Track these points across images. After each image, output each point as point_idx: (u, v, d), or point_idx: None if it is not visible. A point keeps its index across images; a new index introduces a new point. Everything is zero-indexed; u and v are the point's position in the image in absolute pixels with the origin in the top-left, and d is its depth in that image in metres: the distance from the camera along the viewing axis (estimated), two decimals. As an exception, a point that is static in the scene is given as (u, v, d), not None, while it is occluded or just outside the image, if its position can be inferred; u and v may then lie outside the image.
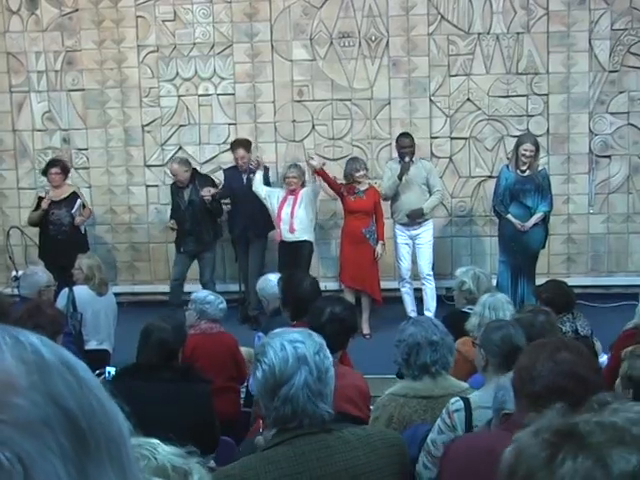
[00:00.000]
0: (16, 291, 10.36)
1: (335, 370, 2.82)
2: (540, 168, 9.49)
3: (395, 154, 10.49)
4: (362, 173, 9.64)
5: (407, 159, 9.46)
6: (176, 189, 10.16)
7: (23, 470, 0.79)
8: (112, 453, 0.86)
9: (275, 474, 2.66)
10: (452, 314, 6.95)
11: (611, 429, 1.15)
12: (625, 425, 1.16)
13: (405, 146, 9.55)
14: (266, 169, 10.03)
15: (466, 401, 4.07)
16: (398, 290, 10.47)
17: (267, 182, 10.00)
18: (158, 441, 1.91)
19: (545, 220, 9.49)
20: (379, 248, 9.66)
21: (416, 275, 9.86)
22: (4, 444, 0.79)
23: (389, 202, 9.74)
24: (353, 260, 9.64)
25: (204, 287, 9.98)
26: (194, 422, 4.64)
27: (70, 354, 0.90)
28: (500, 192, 9.43)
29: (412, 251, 9.79)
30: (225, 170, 10.41)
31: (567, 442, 1.16)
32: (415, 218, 9.60)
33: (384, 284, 10.36)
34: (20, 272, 10.45)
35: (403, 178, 9.43)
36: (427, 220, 9.74)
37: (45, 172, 9.96)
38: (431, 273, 9.74)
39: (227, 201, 10.32)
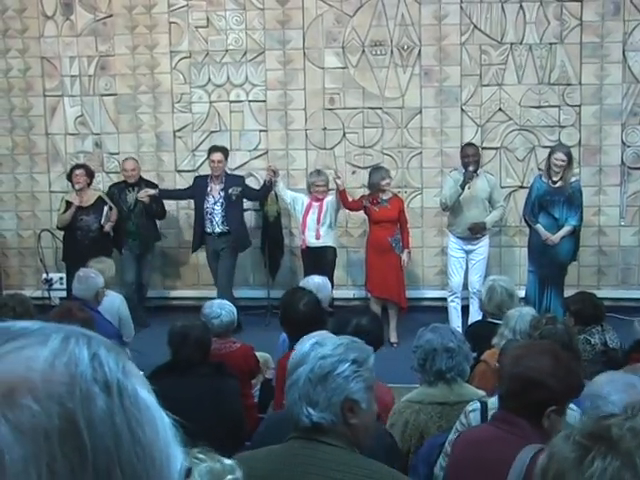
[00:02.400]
0: (46, 294, 10.54)
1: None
2: (573, 180, 9.43)
3: (428, 163, 10.54)
4: (387, 181, 9.63)
5: (471, 168, 9.36)
6: (120, 190, 10.30)
7: None
8: None
9: (254, 472, 2.59)
10: (476, 324, 6.92)
11: None
12: None
13: (469, 155, 9.47)
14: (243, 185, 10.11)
15: (483, 403, 4.11)
16: (426, 299, 10.48)
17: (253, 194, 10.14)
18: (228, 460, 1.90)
19: (575, 233, 9.43)
20: (405, 257, 9.64)
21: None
22: None
23: (447, 213, 9.71)
24: (378, 269, 9.63)
25: (141, 288, 10.38)
26: (229, 415, 4.76)
27: (133, 381, 0.89)
28: (531, 202, 9.40)
29: (465, 264, 9.70)
30: (195, 177, 10.45)
31: (598, 444, 1.16)
32: (477, 232, 9.52)
33: (412, 293, 10.36)
34: (50, 275, 10.60)
35: (465, 188, 9.35)
36: (484, 235, 9.67)
37: (69, 176, 10.05)
38: (482, 289, 9.68)
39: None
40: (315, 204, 9.73)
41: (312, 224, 9.68)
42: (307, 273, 9.02)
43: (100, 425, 0.84)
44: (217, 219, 10.01)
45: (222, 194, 9.99)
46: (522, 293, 9.27)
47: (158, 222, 10.61)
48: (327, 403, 2.61)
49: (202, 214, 10.07)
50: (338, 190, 9.66)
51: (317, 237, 9.70)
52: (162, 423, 0.91)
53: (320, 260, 9.62)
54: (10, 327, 0.88)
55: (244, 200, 10.25)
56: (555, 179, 9.25)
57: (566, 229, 9.31)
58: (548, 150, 9.74)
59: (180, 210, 10.97)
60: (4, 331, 0.87)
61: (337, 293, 9.57)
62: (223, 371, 5.14)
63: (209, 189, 10.04)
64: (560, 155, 9.21)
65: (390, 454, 3.68)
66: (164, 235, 10.86)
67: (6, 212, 11.38)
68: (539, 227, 9.34)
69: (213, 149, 10.17)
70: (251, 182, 10.86)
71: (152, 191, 10.15)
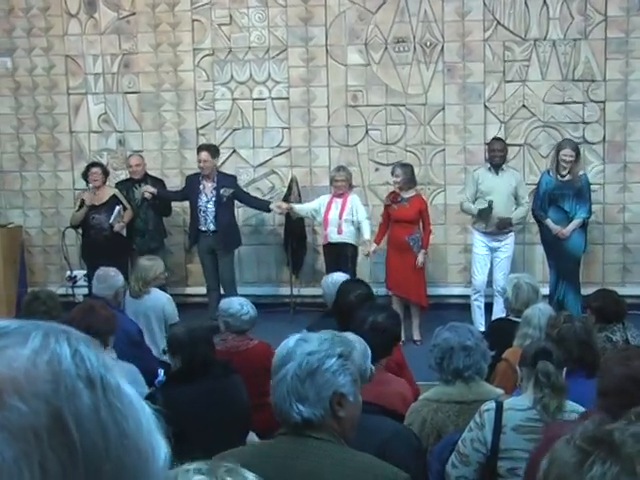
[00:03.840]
0: (70, 290, 10.59)
1: (376, 378, 2.79)
2: (581, 173, 9.43)
3: (452, 160, 10.51)
4: (394, 179, 9.59)
5: (497, 161, 9.48)
6: (127, 189, 10.30)
7: None
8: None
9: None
10: (498, 321, 6.89)
11: None
12: None
13: (495, 149, 9.53)
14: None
15: (499, 403, 4.10)
16: (449, 297, 10.45)
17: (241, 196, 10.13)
18: (251, 474, 1.89)
19: (584, 225, 9.44)
20: (420, 257, 9.57)
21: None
22: None
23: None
24: (397, 268, 9.61)
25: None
26: (242, 412, 4.75)
27: (114, 374, 0.90)
28: (540, 197, 9.42)
29: (490, 262, 9.68)
30: (187, 176, 10.44)
31: (598, 448, 1.16)
32: (503, 228, 9.49)
33: (436, 290, 10.35)
34: (74, 272, 10.66)
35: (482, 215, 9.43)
36: (511, 232, 9.65)
37: (85, 174, 10.09)
38: (506, 287, 9.64)
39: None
40: (337, 200, 9.71)
41: (334, 219, 9.65)
42: (329, 269, 9.04)
43: (87, 421, 0.84)
44: (210, 217, 9.99)
45: (214, 192, 9.99)
46: (545, 290, 9.25)
47: (165, 219, 10.63)
48: (317, 398, 2.62)
49: (196, 212, 10.09)
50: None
51: (339, 232, 9.67)
52: (144, 414, 0.91)
53: (340, 256, 9.61)
54: None
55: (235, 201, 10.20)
56: (564, 173, 9.26)
57: (576, 222, 9.34)
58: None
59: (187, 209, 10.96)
60: None
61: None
62: (230, 368, 5.11)
63: (202, 187, 10.03)
64: (568, 151, 9.22)
65: (417, 456, 3.70)
66: (170, 233, 10.83)
67: (31, 210, 11.45)
68: (549, 222, 9.38)
69: (199, 148, 10.16)
70: (274, 179, 10.88)
71: (152, 188, 10.17)
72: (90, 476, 0.84)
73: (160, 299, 7.61)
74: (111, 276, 6.98)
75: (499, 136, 10.17)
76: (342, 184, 9.70)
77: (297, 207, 10.06)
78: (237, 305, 6.32)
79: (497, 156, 9.50)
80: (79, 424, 0.84)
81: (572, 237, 9.35)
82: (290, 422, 2.66)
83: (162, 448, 0.92)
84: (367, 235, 9.58)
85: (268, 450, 2.74)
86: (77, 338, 0.90)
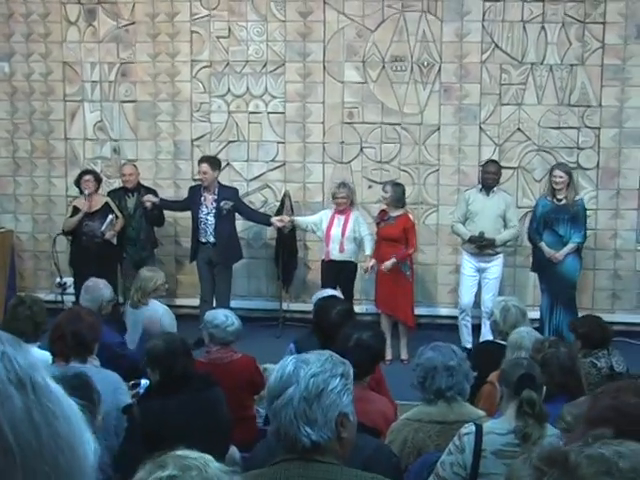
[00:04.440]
0: (59, 297, 10.56)
1: (360, 395, 2.76)
2: (577, 198, 9.44)
3: (445, 181, 10.53)
4: (382, 195, 9.61)
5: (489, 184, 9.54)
6: (119, 197, 10.29)
7: None
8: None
9: None
10: (484, 344, 6.88)
11: (599, 461, 1.14)
12: (613, 458, 1.14)
13: (489, 172, 9.57)
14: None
15: (478, 426, 4.07)
16: (439, 317, 10.44)
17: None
18: (210, 457, 1.97)
19: (579, 250, 9.47)
20: (388, 263, 9.38)
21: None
22: None
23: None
24: (385, 286, 9.59)
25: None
26: (219, 424, 4.70)
27: (42, 374, 0.89)
28: (536, 220, 9.46)
29: (477, 283, 9.68)
30: (190, 187, 10.44)
31: (553, 468, 1.16)
32: (485, 247, 9.49)
33: (426, 310, 10.34)
34: (64, 279, 10.62)
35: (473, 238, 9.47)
36: (499, 254, 9.63)
37: (78, 181, 10.08)
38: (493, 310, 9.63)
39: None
40: (340, 217, 9.69)
41: (337, 237, 9.63)
42: (326, 285, 8.98)
43: (20, 424, 0.84)
44: (210, 229, 9.98)
45: (214, 204, 9.98)
46: (535, 314, 9.25)
47: (156, 229, 10.62)
48: (324, 420, 2.59)
49: (197, 223, 10.08)
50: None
51: (341, 250, 9.65)
52: (74, 411, 0.91)
53: (340, 274, 9.61)
54: None
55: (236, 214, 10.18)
56: (559, 197, 9.28)
57: (570, 246, 9.36)
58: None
59: (179, 219, 10.94)
60: None
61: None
62: (210, 381, 5.06)
63: (202, 199, 10.02)
64: (558, 172, 9.30)
65: (396, 473, 3.69)
66: (161, 243, 10.83)
67: (23, 214, 11.44)
68: (543, 245, 9.41)
69: (200, 160, 10.16)
70: (267, 193, 10.88)
71: (155, 198, 10.16)
72: (27, 478, 0.83)
73: (157, 311, 7.56)
74: (99, 288, 6.93)
75: (494, 158, 10.19)
76: (343, 201, 9.68)
77: (299, 219, 10.06)
78: (222, 317, 6.28)
79: (490, 178, 9.53)
80: (13, 427, 0.83)
81: (566, 261, 9.37)
82: (297, 447, 2.61)
83: (91, 442, 0.91)
84: (368, 250, 9.57)
85: (277, 477, 2.66)
86: (2, 340, 0.89)
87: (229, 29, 10.83)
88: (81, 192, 10.09)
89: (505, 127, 10.50)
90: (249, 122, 10.93)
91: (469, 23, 10.41)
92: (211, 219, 9.97)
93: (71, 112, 11.23)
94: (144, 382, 6.18)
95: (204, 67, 10.93)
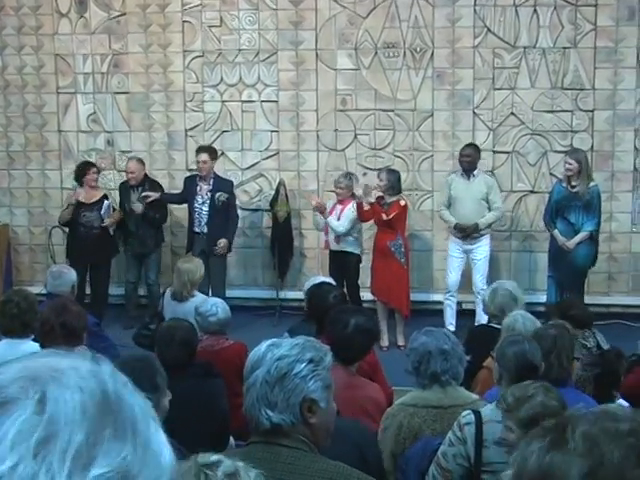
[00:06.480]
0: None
1: (347, 382, 2.77)
2: (592, 184, 9.39)
3: (440, 167, 10.55)
4: (377, 182, 9.61)
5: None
6: (125, 190, 10.30)
7: None
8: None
9: None
10: (479, 328, 6.89)
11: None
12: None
13: (463, 155, 9.62)
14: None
15: (477, 414, 4.06)
16: (435, 303, 10.43)
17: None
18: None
19: (592, 238, 9.42)
20: (365, 201, 9.49)
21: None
22: None
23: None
24: (380, 273, 9.62)
25: (149, 288, 10.27)
26: (215, 416, 4.70)
27: (119, 382, 1.01)
28: (550, 207, 9.42)
29: (464, 265, 9.76)
30: (185, 178, 10.43)
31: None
32: (469, 233, 9.54)
33: (421, 296, 10.34)
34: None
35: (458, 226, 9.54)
36: (483, 235, 9.67)
37: (80, 176, 10.10)
38: (485, 287, 9.66)
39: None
40: (338, 207, 9.73)
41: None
42: (331, 275, 8.92)
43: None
44: (204, 219, 9.99)
45: (209, 195, 9.97)
46: (531, 298, 9.25)
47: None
48: (286, 404, 2.61)
49: (192, 213, 10.08)
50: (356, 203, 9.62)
51: (337, 241, 9.71)
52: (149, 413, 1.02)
53: (343, 264, 9.68)
54: None
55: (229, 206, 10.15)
56: (574, 183, 9.24)
57: (582, 234, 9.30)
58: (560, 155, 9.82)
59: (175, 210, 10.92)
60: None
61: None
62: (210, 371, 5.08)
63: (198, 188, 10.03)
64: (567, 159, 9.30)
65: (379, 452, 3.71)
66: (174, 234, 10.84)
67: (18, 208, 11.43)
68: (556, 232, 9.36)
69: (199, 149, 10.18)
70: (262, 182, 10.87)
71: (154, 195, 10.13)
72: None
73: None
74: (65, 272, 6.92)
75: (487, 143, 10.22)
76: (341, 191, 9.71)
77: (331, 219, 9.80)
78: (208, 305, 6.33)
79: (465, 162, 9.59)
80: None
81: (578, 249, 9.31)
82: (260, 429, 2.64)
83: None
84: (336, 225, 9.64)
85: (240, 459, 2.72)
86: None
87: (221, 18, 10.80)
88: (81, 185, 10.15)
89: (499, 111, 10.48)
90: (242, 111, 10.91)
91: (461, 8, 10.38)
92: (205, 209, 9.97)
93: (64, 104, 11.21)
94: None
95: (196, 57, 10.90)
